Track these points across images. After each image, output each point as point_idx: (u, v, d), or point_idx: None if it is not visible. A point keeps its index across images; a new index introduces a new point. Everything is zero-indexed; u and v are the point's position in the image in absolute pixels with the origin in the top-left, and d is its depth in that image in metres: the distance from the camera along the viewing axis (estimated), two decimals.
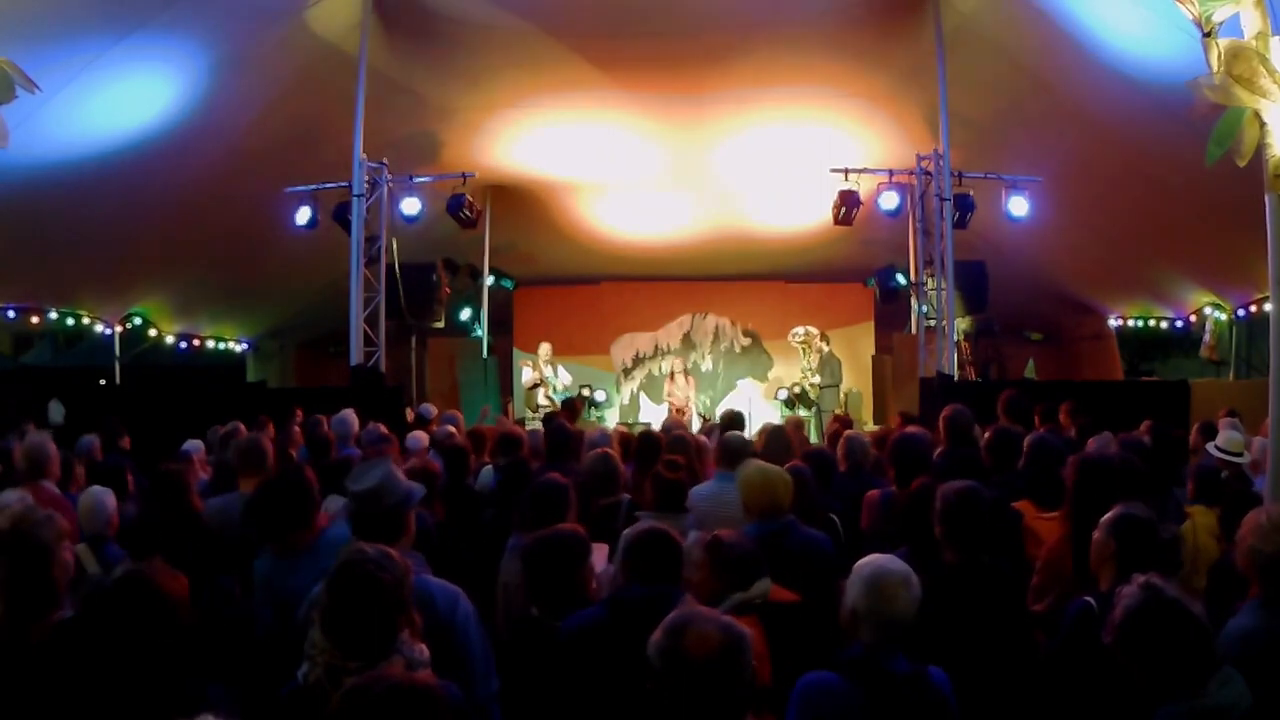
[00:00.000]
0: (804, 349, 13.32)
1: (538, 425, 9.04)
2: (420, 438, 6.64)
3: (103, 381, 12.65)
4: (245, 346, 15.49)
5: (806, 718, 2.36)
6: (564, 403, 10.02)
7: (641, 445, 5.42)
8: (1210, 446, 5.25)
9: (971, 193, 9.70)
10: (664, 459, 4.48)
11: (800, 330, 13.41)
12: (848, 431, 6.16)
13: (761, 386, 15.19)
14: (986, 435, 4.88)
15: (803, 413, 12.84)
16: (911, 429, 5.21)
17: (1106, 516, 2.94)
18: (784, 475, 3.78)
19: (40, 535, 2.67)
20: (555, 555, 2.91)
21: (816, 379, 13.00)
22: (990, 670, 2.89)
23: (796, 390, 13.36)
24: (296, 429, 7.02)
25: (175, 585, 2.42)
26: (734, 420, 6.58)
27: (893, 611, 2.43)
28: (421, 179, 10.20)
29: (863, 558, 2.61)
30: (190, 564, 2.77)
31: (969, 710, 2.57)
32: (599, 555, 3.42)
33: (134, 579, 2.42)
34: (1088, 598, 2.82)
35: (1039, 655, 3.12)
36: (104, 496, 4.04)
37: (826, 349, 13.13)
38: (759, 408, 13.80)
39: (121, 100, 7.69)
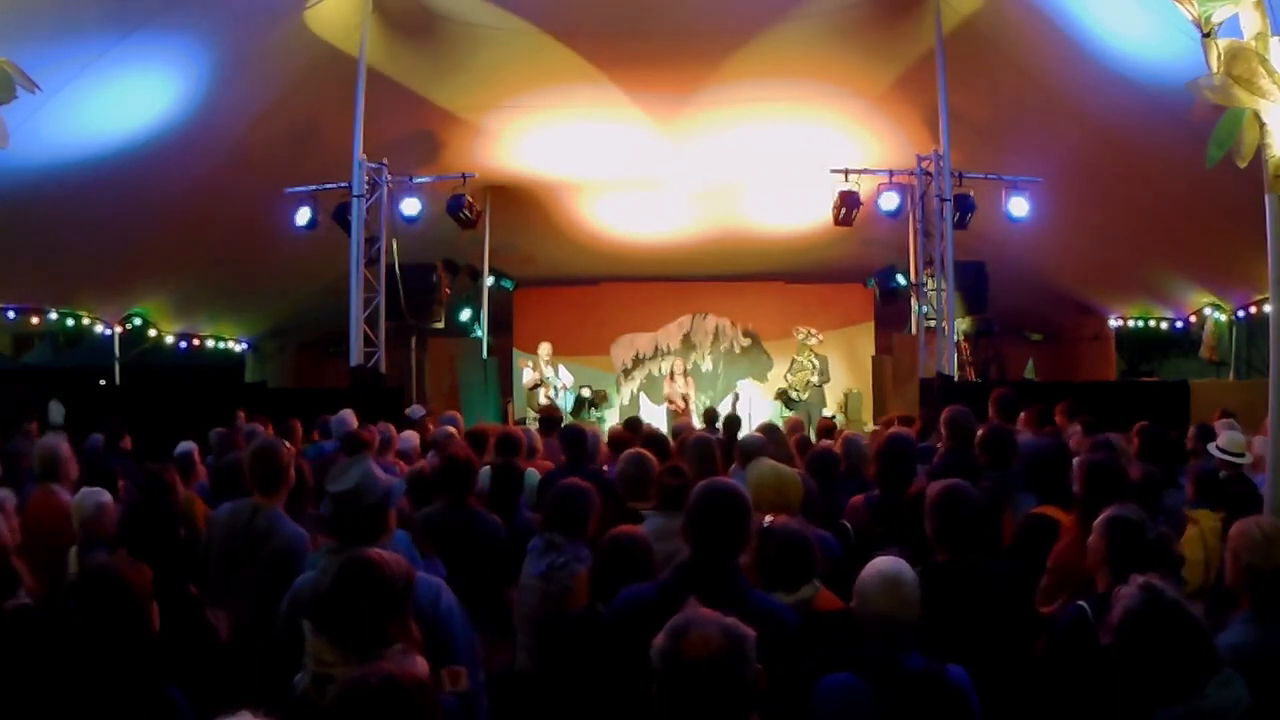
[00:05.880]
0: (802, 349, 13.17)
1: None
2: (411, 437, 6.62)
3: (103, 381, 12.63)
4: (245, 346, 15.48)
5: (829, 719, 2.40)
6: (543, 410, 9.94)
7: (648, 444, 5.37)
8: (1211, 447, 5.24)
9: (972, 193, 9.70)
10: (668, 466, 4.32)
11: (803, 330, 13.26)
12: (846, 433, 6.18)
13: (761, 387, 15.16)
14: (980, 434, 4.87)
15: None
16: (895, 430, 5.16)
17: (1098, 519, 2.96)
18: (795, 475, 3.77)
19: None
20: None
21: (816, 379, 12.93)
22: (983, 670, 2.88)
23: (794, 394, 13.31)
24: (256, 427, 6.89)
25: (138, 576, 2.43)
26: (733, 423, 6.56)
27: (892, 611, 2.47)
28: (421, 179, 10.20)
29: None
30: (162, 563, 2.76)
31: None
32: None
33: (97, 572, 2.45)
34: (1081, 602, 2.82)
35: (1033, 656, 3.11)
36: (97, 498, 3.95)
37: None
38: (759, 408, 13.77)
39: (122, 100, 7.68)
